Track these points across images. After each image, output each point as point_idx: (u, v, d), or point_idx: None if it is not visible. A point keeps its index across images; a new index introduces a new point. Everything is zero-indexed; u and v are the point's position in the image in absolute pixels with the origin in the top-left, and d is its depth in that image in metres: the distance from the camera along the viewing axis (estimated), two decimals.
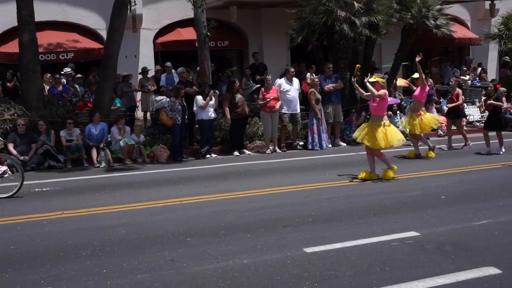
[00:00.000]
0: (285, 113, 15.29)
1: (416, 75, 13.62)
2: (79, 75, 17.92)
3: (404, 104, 17.25)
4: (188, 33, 19.83)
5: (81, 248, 6.96)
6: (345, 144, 15.93)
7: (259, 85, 16.95)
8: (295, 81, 15.72)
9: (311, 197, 9.46)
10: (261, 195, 9.76)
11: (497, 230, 7.20)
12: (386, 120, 10.88)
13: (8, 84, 16.35)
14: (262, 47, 21.40)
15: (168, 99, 14.93)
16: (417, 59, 13.01)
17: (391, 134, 10.73)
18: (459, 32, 23.14)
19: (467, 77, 21.24)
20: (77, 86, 17.09)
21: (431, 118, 13.59)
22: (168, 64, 17.47)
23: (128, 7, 15.46)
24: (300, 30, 17.55)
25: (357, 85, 11.45)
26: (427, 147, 13.42)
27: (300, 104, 15.81)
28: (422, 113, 13.25)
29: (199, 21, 16.06)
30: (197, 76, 17.06)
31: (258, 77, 18.11)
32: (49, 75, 16.70)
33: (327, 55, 18.26)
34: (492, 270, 5.75)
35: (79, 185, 11.25)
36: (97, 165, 13.50)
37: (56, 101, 15.05)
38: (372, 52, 18.61)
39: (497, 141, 13.64)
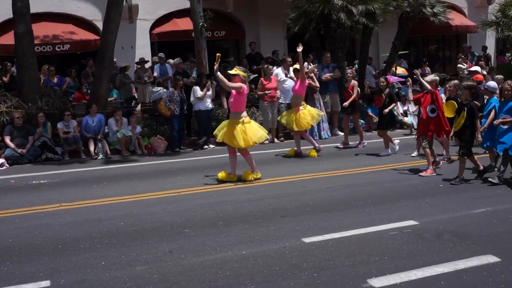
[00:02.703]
0: (282, 103, 15.24)
1: (297, 66, 12.70)
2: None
3: (403, 93, 17.17)
4: (185, 24, 19.75)
5: (79, 240, 6.96)
6: (343, 133, 15.87)
7: (256, 75, 16.90)
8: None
9: (310, 187, 9.45)
10: (259, 186, 9.76)
11: (495, 218, 7.21)
12: (245, 117, 10.12)
13: (4, 78, 16.28)
14: (259, 37, 21.32)
15: (165, 90, 14.89)
16: (299, 49, 12.28)
17: (250, 131, 10.03)
18: (456, 19, 23.08)
19: (465, 65, 21.19)
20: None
21: (308, 114, 12.43)
22: (161, 54, 17.42)
23: None
24: (297, 19, 17.48)
25: (221, 76, 10.15)
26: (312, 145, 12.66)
27: None
28: (301, 108, 12.40)
29: (195, 11, 15.98)
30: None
31: (255, 67, 18.07)
32: (47, 67, 16.64)
33: (324, 44, 18.21)
34: (491, 258, 5.75)
35: (77, 177, 11.23)
36: (95, 157, 13.47)
37: (52, 93, 15.00)
38: (369, 40, 18.57)
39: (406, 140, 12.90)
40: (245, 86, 10.12)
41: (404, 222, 7.14)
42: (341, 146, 13.56)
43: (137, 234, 7.16)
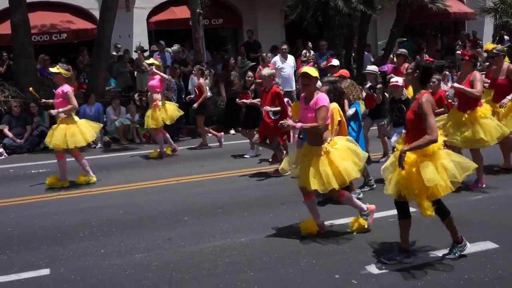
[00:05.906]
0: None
1: (151, 60, 12.10)
2: None
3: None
4: (182, 12, 19.66)
5: (78, 228, 6.97)
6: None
7: (254, 63, 16.86)
8: (290, 58, 15.61)
9: None
10: (258, 173, 9.75)
11: (493, 205, 7.22)
12: (69, 117, 9.33)
13: (0, 68, 16.23)
14: (256, 25, 21.23)
15: None
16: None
17: (74, 131, 9.29)
18: (454, 6, 23.02)
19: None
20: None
21: (163, 112, 11.56)
22: (161, 42, 17.35)
23: None
24: (294, 6, 17.44)
25: (49, 101, 9.62)
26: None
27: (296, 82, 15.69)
28: (159, 104, 11.51)
29: None
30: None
31: (253, 54, 18.02)
32: (46, 57, 16.56)
33: (322, 31, 18.16)
34: (490, 245, 5.77)
35: (75, 166, 11.19)
36: (93, 145, 13.45)
37: (49, 82, 14.95)
38: (367, 28, 18.54)
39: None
40: (70, 88, 9.28)
41: None
42: (198, 148, 12.77)
43: (136, 222, 7.17)
